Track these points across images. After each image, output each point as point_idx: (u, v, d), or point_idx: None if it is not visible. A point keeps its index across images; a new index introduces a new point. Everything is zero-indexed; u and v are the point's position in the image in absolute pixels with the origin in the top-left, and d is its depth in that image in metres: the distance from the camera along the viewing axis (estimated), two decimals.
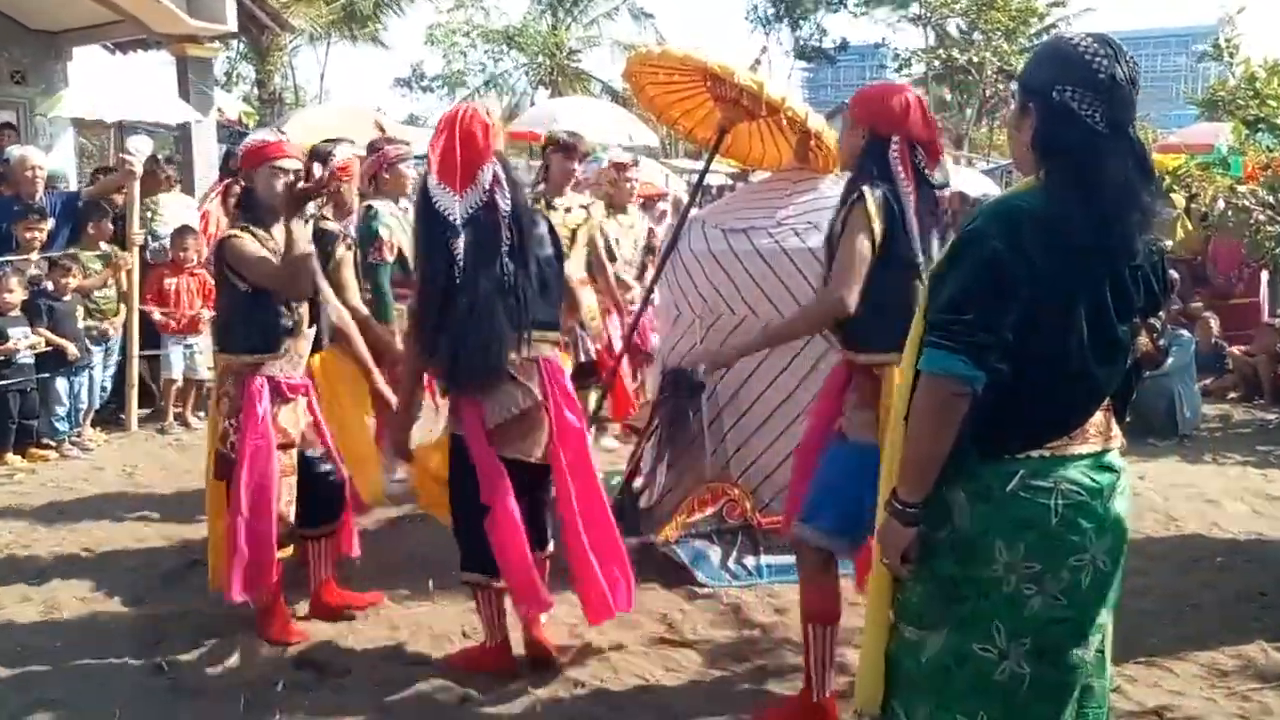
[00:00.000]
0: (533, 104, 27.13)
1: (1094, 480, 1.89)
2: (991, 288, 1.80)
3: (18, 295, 5.66)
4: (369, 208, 4.12)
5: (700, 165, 4.69)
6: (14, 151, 6.26)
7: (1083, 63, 1.81)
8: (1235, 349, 7.69)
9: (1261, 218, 4.85)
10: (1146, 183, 1.84)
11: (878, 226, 2.63)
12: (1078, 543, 1.87)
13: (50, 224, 6.00)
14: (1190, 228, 9.02)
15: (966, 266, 1.82)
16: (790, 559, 3.90)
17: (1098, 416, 1.94)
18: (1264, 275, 8.22)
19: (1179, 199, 8.27)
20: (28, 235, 5.87)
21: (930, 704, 1.96)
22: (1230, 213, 5.02)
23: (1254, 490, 5.23)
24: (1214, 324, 7.85)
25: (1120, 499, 1.93)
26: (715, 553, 3.90)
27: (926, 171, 2.77)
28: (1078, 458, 1.89)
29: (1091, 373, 1.87)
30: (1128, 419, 2.08)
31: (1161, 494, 5.11)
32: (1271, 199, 4.87)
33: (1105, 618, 1.97)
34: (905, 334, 2.08)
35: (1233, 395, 7.55)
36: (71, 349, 5.81)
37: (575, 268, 5.02)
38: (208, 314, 6.67)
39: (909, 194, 2.69)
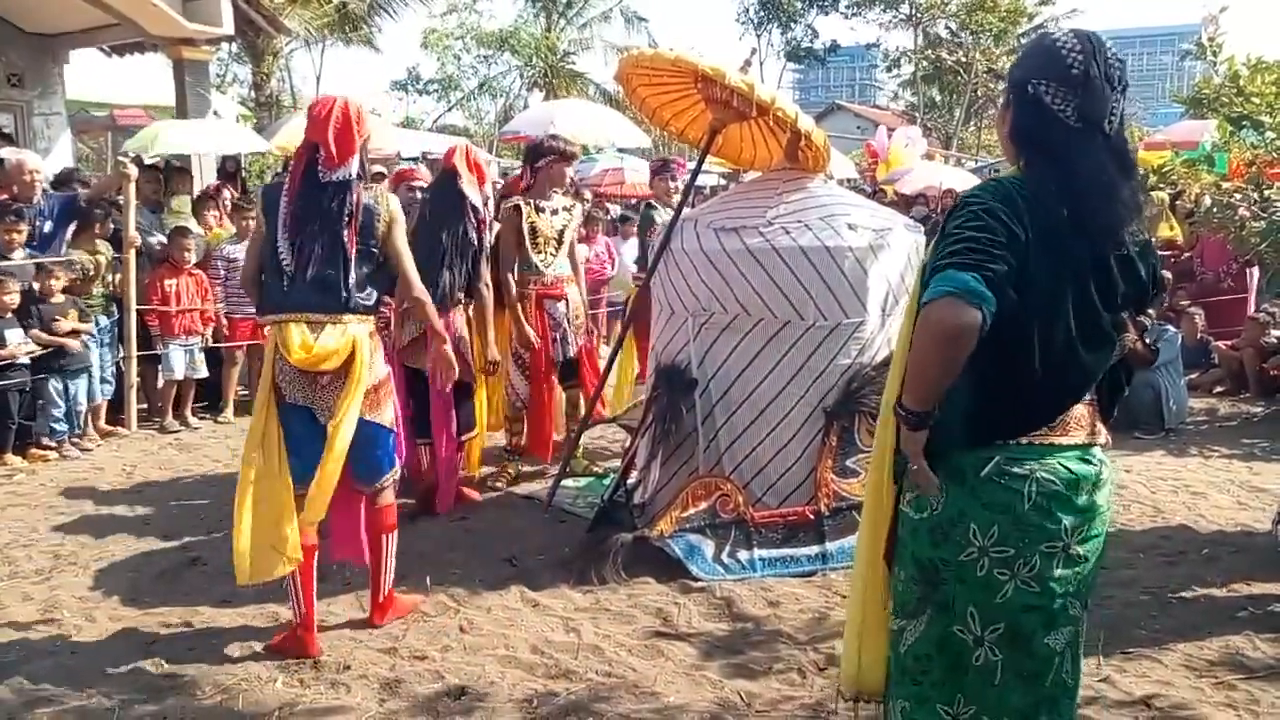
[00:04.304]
0: (526, 106, 27.16)
1: (1071, 471, 1.90)
2: (993, 231, 1.78)
3: (14, 298, 5.67)
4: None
5: (692, 166, 4.73)
6: (10, 156, 6.25)
7: (1058, 58, 1.85)
8: (1221, 344, 7.70)
9: (1246, 214, 4.90)
10: (1125, 177, 1.86)
11: (262, 218, 3.26)
12: (1052, 530, 1.89)
13: (26, 227, 5.93)
14: (1175, 225, 9.07)
15: (967, 217, 1.81)
16: (784, 553, 3.97)
17: (1081, 410, 1.94)
18: (1250, 271, 8.25)
19: (1161, 195, 8.33)
20: (5, 238, 5.83)
21: (909, 698, 1.99)
22: (1215, 209, 5.05)
23: (1239, 482, 5.27)
24: (1199, 319, 7.88)
25: (1101, 493, 1.94)
26: (709, 547, 3.93)
27: (320, 169, 3.17)
28: (1058, 449, 1.90)
29: (1079, 359, 1.88)
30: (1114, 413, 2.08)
31: (1148, 486, 5.16)
32: (1256, 195, 4.91)
33: (1078, 610, 1.97)
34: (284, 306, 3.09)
35: (1219, 389, 7.57)
36: (74, 344, 5.84)
37: (564, 267, 5.09)
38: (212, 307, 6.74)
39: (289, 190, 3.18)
